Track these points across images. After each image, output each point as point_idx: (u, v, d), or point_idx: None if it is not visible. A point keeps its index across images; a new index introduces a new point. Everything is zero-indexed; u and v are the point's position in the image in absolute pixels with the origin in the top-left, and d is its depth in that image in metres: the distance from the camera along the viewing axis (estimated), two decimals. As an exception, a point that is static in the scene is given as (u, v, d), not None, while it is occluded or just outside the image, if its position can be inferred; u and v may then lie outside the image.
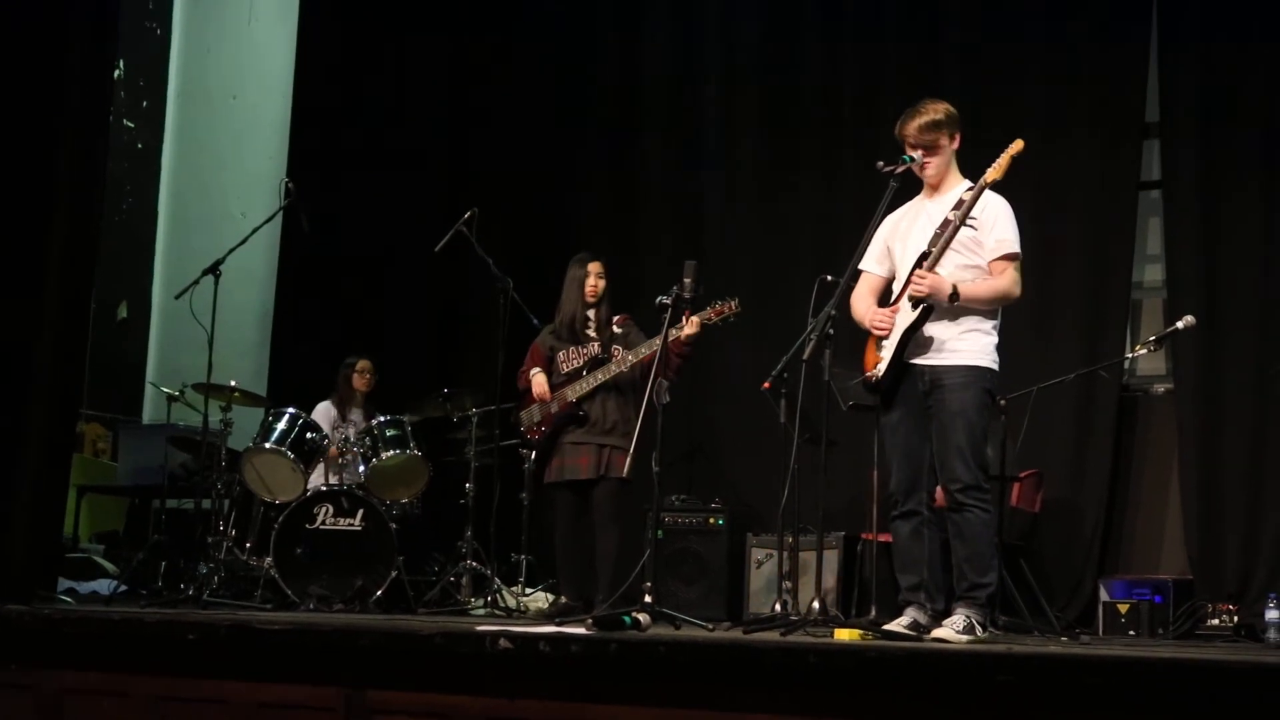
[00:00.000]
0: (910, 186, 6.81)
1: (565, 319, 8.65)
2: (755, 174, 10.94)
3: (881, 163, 6.71)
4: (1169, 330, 8.41)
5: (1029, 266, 6.74)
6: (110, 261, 11.43)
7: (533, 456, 8.99)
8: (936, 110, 6.63)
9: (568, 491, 8.55)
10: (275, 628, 5.88)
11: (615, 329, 8.56)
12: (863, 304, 6.81)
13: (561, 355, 8.64)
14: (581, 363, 8.54)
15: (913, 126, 6.64)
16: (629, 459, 7.48)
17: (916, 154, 6.63)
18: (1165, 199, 9.74)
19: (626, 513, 8.52)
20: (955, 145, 6.67)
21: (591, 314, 8.62)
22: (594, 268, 8.63)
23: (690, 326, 7.97)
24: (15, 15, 8.59)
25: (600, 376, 8.42)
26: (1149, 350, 8.51)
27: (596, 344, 8.55)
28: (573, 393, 8.49)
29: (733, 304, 7.98)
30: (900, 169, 6.65)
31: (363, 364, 10.20)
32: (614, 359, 8.43)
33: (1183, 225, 9.55)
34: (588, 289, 8.60)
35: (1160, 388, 9.75)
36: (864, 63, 10.63)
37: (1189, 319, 8.30)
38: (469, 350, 11.19)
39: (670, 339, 7.87)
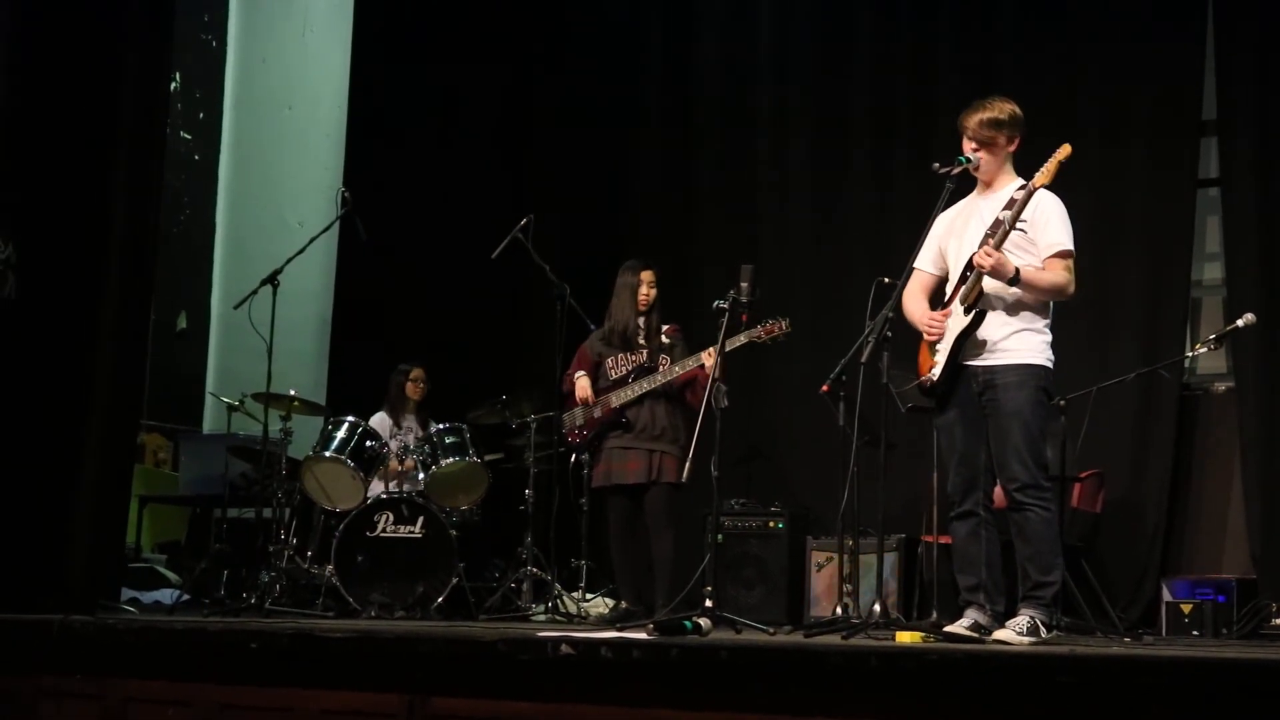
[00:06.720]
0: (964, 180, 6.76)
1: (617, 325, 8.65)
2: (809, 178, 10.91)
3: (937, 164, 6.67)
4: (1229, 328, 8.34)
5: (1088, 265, 6.70)
6: (168, 273, 11.50)
7: (574, 460, 9.08)
8: (1002, 109, 6.59)
9: (619, 496, 8.56)
10: (337, 636, 5.91)
11: (664, 339, 8.56)
12: (915, 304, 6.78)
13: (609, 361, 8.65)
14: (628, 369, 8.55)
15: (974, 120, 6.60)
16: (686, 465, 7.47)
17: (971, 151, 6.60)
18: (1224, 196, 9.68)
19: (684, 517, 8.52)
20: (1013, 148, 6.62)
21: (642, 322, 8.61)
22: (646, 276, 8.62)
23: (708, 358, 7.99)
24: (71, 30, 8.67)
25: (645, 385, 8.43)
26: (1209, 349, 8.44)
27: (645, 352, 8.55)
28: (617, 399, 8.51)
29: (784, 324, 7.95)
30: (956, 170, 6.61)
31: (416, 371, 10.20)
32: (660, 369, 8.43)
33: (1242, 222, 9.48)
34: (640, 297, 8.60)
35: (1221, 386, 9.68)
36: (917, 64, 10.60)
37: (1249, 316, 8.22)
38: (526, 356, 11.18)
39: (688, 368, 8.21)
